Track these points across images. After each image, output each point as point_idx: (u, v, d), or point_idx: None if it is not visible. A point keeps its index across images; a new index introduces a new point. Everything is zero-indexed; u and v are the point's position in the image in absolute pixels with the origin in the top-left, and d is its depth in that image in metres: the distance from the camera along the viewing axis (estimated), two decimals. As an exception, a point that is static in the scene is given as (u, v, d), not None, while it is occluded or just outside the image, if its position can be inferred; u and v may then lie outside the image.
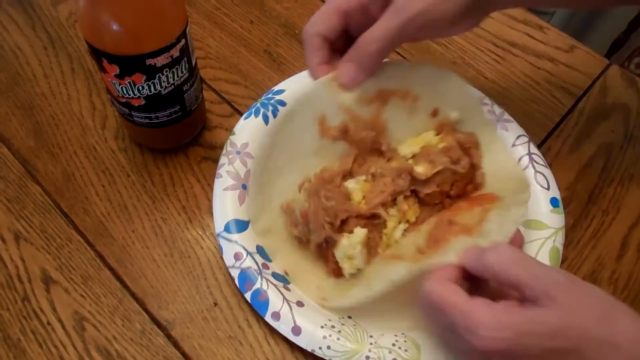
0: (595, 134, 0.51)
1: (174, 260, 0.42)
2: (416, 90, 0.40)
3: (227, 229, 0.41)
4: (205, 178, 0.46)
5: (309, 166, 0.40)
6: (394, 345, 0.37)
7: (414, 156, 0.39)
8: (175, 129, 0.45)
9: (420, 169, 0.38)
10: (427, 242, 0.36)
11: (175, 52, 0.38)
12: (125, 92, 0.40)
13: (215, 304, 0.41)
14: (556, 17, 1.10)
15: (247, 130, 0.45)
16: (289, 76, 0.53)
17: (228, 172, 0.43)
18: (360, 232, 0.37)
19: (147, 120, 0.43)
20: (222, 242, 0.40)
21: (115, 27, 0.35)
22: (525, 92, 0.53)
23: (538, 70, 0.55)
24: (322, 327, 0.37)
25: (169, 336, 0.39)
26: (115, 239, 0.43)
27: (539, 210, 0.43)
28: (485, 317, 0.28)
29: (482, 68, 0.55)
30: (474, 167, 0.39)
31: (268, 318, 0.38)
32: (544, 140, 0.50)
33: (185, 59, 0.40)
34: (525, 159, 0.45)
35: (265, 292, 0.38)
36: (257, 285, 0.39)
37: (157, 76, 0.39)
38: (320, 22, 0.36)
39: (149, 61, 0.37)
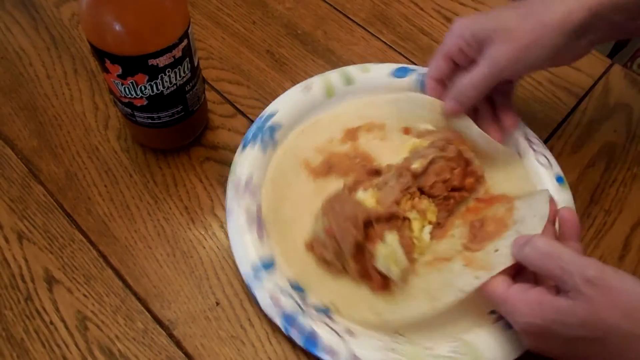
0: (597, 134, 0.51)
1: (176, 260, 0.42)
2: (382, 119, 0.47)
3: (255, 271, 0.39)
4: (208, 178, 0.47)
5: (314, 206, 0.41)
6: (453, 352, 0.37)
7: (407, 160, 0.43)
8: (178, 129, 0.45)
9: (416, 164, 0.41)
10: (472, 243, 0.38)
11: (177, 53, 0.39)
12: (127, 92, 0.40)
13: (218, 304, 0.41)
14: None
15: (248, 161, 0.44)
16: (291, 76, 0.53)
17: (240, 211, 0.41)
18: (392, 234, 0.38)
19: (150, 121, 0.43)
20: (253, 285, 0.39)
21: (117, 27, 0.35)
22: (527, 92, 0.53)
23: (540, 71, 0.55)
24: (380, 350, 0.37)
25: (171, 336, 0.39)
26: (118, 238, 0.43)
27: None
28: (520, 305, 0.32)
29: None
30: (461, 153, 0.42)
31: (321, 354, 0.36)
32: (546, 140, 0.50)
33: (188, 59, 0.40)
34: (524, 143, 0.46)
35: (313, 328, 0.37)
36: (303, 324, 0.37)
37: (159, 76, 0.39)
38: (432, 68, 0.44)
39: (152, 61, 0.38)
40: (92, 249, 0.43)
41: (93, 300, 0.41)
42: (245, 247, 0.40)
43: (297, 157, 0.45)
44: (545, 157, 0.46)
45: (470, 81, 0.41)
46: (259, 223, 0.41)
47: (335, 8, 0.59)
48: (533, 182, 0.44)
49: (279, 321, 0.37)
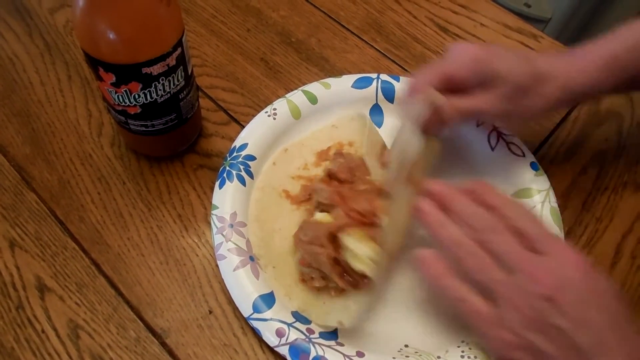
0: (588, 142, 0.51)
1: (169, 268, 0.42)
2: (350, 137, 0.47)
3: (256, 309, 0.38)
4: (201, 186, 0.47)
5: None
6: (462, 357, 0.37)
7: None
8: (171, 137, 0.45)
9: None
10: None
11: (171, 61, 0.39)
12: (121, 100, 0.40)
13: (210, 312, 0.41)
14: (550, 26, 1.11)
15: (229, 199, 0.43)
16: (285, 84, 0.53)
17: (230, 250, 0.40)
18: (347, 236, 0.38)
19: (143, 128, 0.43)
20: (256, 324, 0.38)
21: (111, 36, 0.35)
22: (519, 101, 0.54)
23: (532, 79, 0.55)
24: None
25: (163, 344, 0.39)
26: (111, 246, 0.43)
27: (524, 178, 0.45)
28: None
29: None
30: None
31: None
32: (538, 148, 0.50)
33: (182, 67, 0.40)
34: (494, 134, 0.47)
35: (324, 355, 0.36)
36: (312, 355, 0.36)
37: (153, 84, 0.39)
38: (424, 76, 0.41)
39: (145, 70, 0.38)
40: (85, 257, 0.43)
41: (85, 308, 0.40)
42: (242, 288, 0.39)
43: (275, 189, 0.45)
44: (517, 145, 0.46)
45: (461, 106, 0.40)
46: (253, 261, 0.41)
47: (329, 16, 0.59)
48: (509, 172, 0.46)
49: (287, 355, 0.37)
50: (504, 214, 0.35)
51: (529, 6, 1.13)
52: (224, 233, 0.41)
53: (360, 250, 0.37)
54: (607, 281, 0.32)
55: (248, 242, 0.42)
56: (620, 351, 0.29)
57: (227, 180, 0.44)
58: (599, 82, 0.40)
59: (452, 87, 0.41)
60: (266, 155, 0.46)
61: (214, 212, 0.42)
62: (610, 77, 0.40)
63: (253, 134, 0.46)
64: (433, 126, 0.41)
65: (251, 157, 0.45)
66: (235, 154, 0.45)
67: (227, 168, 0.44)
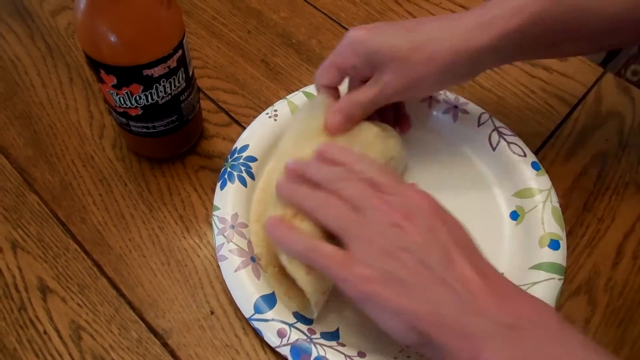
0: (590, 143, 0.51)
1: (170, 269, 0.43)
2: None
3: (257, 310, 0.38)
4: (202, 187, 0.47)
5: None
6: None
7: None
8: (173, 138, 0.45)
9: None
10: None
11: (172, 63, 0.39)
12: (122, 102, 0.40)
13: (212, 313, 0.41)
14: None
15: (230, 200, 0.43)
16: (286, 85, 0.53)
17: (231, 251, 0.40)
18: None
19: (145, 130, 0.43)
20: (258, 325, 0.38)
21: (112, 38, 0.36)
22: (520, 101, 0.54)
23: (533, 79, 0.55)
24: None
25: (165, 345, 0.39)
26: (112, 247, 0.43)
27: (525, 178, 0.45)
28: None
29: (478, 77, 0.55)
30: None
31: None
32: (539, 149, 0.50)
33: (183, 69, 0.41)
34: (495, 135, 0.47)
35: (325, 356, 0.36)
36: (314, 355, 0.36)
37: (154, 86, 0.39)
38: (324, 77, 0.42)
39: (146, 72, 0.38)
40: (87, 258, 0.43)
41: (87, 309, 0.41)
42: (244, 289, 0.39)
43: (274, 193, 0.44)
44: (518, 146, 0.46)
45: (358, 100, 0.41)
46: (254, 261, 0.41)
47: (330, 17, 0.59)
48: (511, 172, 0.45)
49: (289, 355, 0.37)
50: (354, 167, 0.35)
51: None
52: (225, 234, 0.41)
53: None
54: (450, 215, 0.34)
55: (249, 243, 0.42)
56: (466, 264, 0.30)
57: (228, 182, 0.44)
58: (504, 42, 0.37)
59: (347, 76, 0.42)
60: (267, 156, 0.46)
61: (215, 213, 0.42)
62: (512, 39, 0.37)
63: (254, 135, 0.46)
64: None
65: (252, 159, 0.45)
66: (236, 155, 0.45)
67: (228, 169, 0.44)
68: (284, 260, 0.36)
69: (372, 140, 0.42)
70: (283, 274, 0.40)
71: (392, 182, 0.34)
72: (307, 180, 0.36)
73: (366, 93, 0.40)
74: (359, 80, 0.42)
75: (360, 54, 0.39)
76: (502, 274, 0.33)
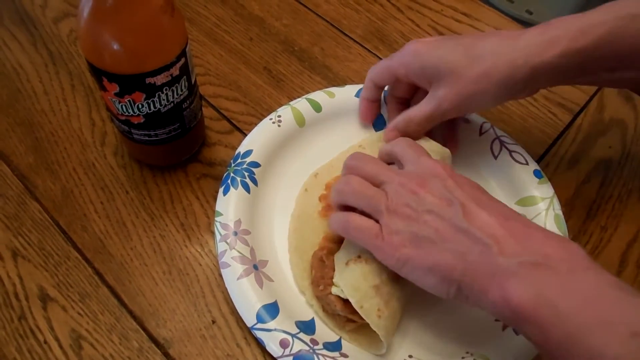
0: (593, 150, 0.51)
1: (172, 278, 0.42)
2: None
3: (260, 319, 0.38)
4: (204, 195, 0.46)
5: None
6: None
7: None
8: (175, 146, 0.45)
9: None
10: None
11: (175, 71, 0.39)
12: (125, 110, 0.40)
13: (214, 322, 0.40)
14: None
15: (233, 206, 0.42)
16: (288, 92, 0.53)
17: (234, 258, 0.40)
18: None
19: (147, 138, 0.43)
20: (260, 334, 0.37)
21: (115, 46, 0.36)
22: (523, 109, 0.54)
23: (535, 87, 0.55)
24: None
25: (166, 355, 0.39)
26: (114, 256, 0.43)
27: (527, 186, 0.45)
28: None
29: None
30: None
31: None
32: (542, 157, 0.50)
33: (185, 77, 0.41)
34: (497, 143, 0.47)
35: None
36: None
37: (156, 94, 0.39)
38: (375, 73, 0.45)
39: (149, 80, 0.38)
40: (88, 267, 0.43)
41: (88, 318, 0.40)
42: (246, 298, 0.39)
43: (311, 216, 0.44)
44: (520, 154, 0.46)
45: (414, 117, 0.42)
46: (257, 270, 0.40)
47: (332, 25, 0.59)
48: (513, 180, 0.45)
49: None
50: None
51: (530, 13, 1.13)
52: (228, 241, 0.41)
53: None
54: (466, 178, 0.36)
55: (252, 250, 0.41)
56: (485, 212, 0.32)
57: (231, 187, 0.43)
58: (560, 63, 0.37)
59: (399, 84, 0.45)
60: (270, 162, 0.46)
61: (217, 219, 0.42)
62: (568, 58, 0.37)
63: (257, 141, 0.46)
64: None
65: (255, 164, 0.45)
66: (239, 160, 0.45)
67: (232, 174, 0.44)
68: (355, 304, 0.35)
69: None
70: (333, 308, 0.39)
71: (410, 154, 0.38)
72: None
73: (422, 110, 0.42)
74: (401, 93, 0.46)
75: (415, 65, 0.41)
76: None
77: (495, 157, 0.47)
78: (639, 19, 0.36)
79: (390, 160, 0.41)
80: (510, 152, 0.46)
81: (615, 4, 0.37)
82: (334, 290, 0.37)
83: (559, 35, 0.37)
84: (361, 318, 0.36)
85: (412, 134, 0.43)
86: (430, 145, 0.43)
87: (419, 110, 0.42)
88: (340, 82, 0.54)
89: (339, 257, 0.38)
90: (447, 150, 0.44)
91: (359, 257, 0.37)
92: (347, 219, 0.36)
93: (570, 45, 0.37)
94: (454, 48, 0.40)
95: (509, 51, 0.38)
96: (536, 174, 0.45)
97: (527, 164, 0.46)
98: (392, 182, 0.35)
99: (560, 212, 0.43)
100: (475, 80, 0.39)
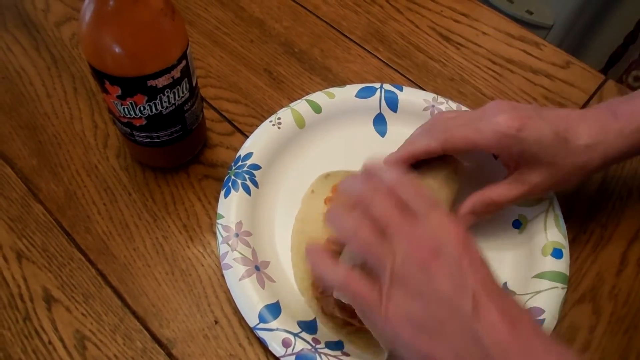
0: (592, 149, 0.51)
1: (174, 278, 0.43)
2: None
3: (262, 319, 0.38)
4: (206, 196, 0.47)
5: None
6: None
7: None
8: (176, 148, 0.45)
9: None
10: None
11: (176, 73, 0.39)
12: (127, 112, 0.40)
13: (216, 322, 0.41)
14: (552, 33, 1.11)
15: (234, 208, 0.43)
16: (288, 94, 0.54)
17: (236, 260, 0.40)
18: None
19: (149, 140, 0.43)
20: (262, 334, 0.38)
21: (117, 49, 0.36)
22: (522, 108, 0.54)
23: (535, 86, 0.56)
24: None
25: (170, 355, 0.39)
26: (117, 257, 0.44)
27: None
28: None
29: (479, 85, 0.56)
30: None
31: None
32: (541, 156, 0.50)
33: (186, 79, 0.41)
34: None
35: None
36: None
37: (158, 97, 0.40)
38: (446, 142, 0.39)
39: (151, 82, 0.38)
40: (91, 268, 0.43)
41: (92, 319, 0.41)
42: (248, 298, 0.39)
43: (316, 219, 0.44)
44: None
45: (498, 200, 0.40)
46: (258, 270, 0.41)
47: (331, 26, 0.60)
48: None
49: None
50: (387, 181, 0.34)
51: (530, 13, 1.13)
52: (230, 242, 0.41)
53: None
54: (477, 247, 0.32)
55: (254, 251, 0.42)
56: (495, 311, 0.29)
57: (232, 190, 0.44)
58: (638, 147, 0.39)
59: (472, 152, 0.40)
60: (271, 164, 0.46)
61: (219, 221, 0.42)
62: None
63: (258, 143, 0.46)
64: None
65: (256, 166, 0.45)
66: (240, 163, 0.45)
67: (232, 177, 0.44)
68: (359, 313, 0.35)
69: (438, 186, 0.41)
70: (330, 310, 0.39)
71: (423, 205, 0.33)
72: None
73: (509, 193, 0.40)
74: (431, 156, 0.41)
75: (513, 149, 0.38)
76: (527, 309, 0.32)
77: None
78: None
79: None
80: None
81: None
82: (335, 294, 0.37)
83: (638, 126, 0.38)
84: (359, 322, 0.36)
85: (489, 214, 0.41)
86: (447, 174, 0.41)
87: (504, 193, 0.40)
88: (340, 83, 0.55)
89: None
90: (459, 163, 0.43)
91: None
92: (346, 280, 0.33)
93: None
94: (553, 136, 0.38)
95: (601, 143, 0.39)
96: None
97: None
98: (401, 240, 0.31)
99: (560, 213, 0.44)
100: (570, 173, 0.39)
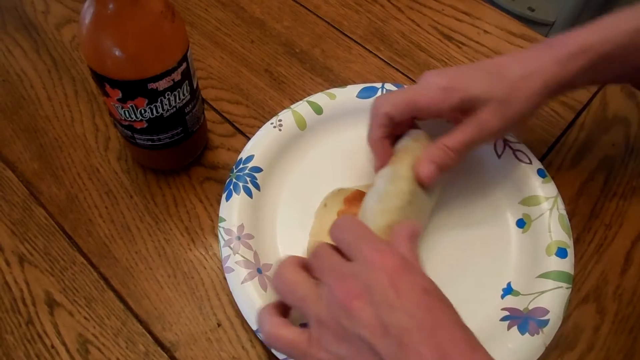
0: (596, 148, 0.51)
1: (177, 281, 0.43)
2: None
3: None
4: (208, 198, 0.47)
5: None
6: None
7: None
8: (178, 150, 0.45)
9: None
10: None
11: (176, 76, 0.39)
12: (127, 115, 0.40)
13: (219, 325, 0.41)
14: (554, 30, 1.11)
15: (236, 211, 0.43)
16: (290, 95, 0.54)
17: (238, 263, 0.40)
18: None
19: (150, 142, 0.43)
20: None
21: (117, 53, 0.36)
22: (525, 107, 0.53)
23: (537, 85, 0.55)
24: None
25: (172, 358, 0.39)
26: (119, 260, 0.43)
27: (531, 186, 0.45)
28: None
29: (481, 83, 0.55)
30: None
31: None
32: (545, 155, 0.50)
33: (187, 81, 0.41)
34: (500, 142, 0.47)
35: None
36: None
37: (159, 99, 0.39)
38: (392, 106, 0.40)
39: (151, 85, 0.38)
40: (93, 271, 0.43)
41: (94, 322, 0.41)
42: (251, 302, 0.39)
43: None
44: (524, 153, 0.46)
45: (452, 145, 0.39)
46: (260, 273, 0.40)
47: (332, 26, 0.59)
48: (516, 180, 0.45)
49: None
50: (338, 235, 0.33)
51: (532, 10, 1.13)
52: (232, 245, 0.41)
53: None
54: (420, 278, 0.29)
55: (256, 254, 0.41)
56: (426, 353, 0.26)
57: (233, 192, 0.44)
58: (579, 73, 0.39)
59: (421, 116, 0.42)
60: (272, 166, 0.46)
61: (221, 224, 0.42)
62: (591, 68, 0.39)
63: (259, 146, 0.46)
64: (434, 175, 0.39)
65: (257, 169, 0.45)
66: (241, 165, 0.45)
67: (234, 180, 0.44)
68: None
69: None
70: None
71: (350, 244, 0.31)
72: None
73: (461, 136, 0.39)
74: (399, 131, 0.41)
75: (454, 100, 0.38)
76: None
77: (499, 156, 0.47)
78: None
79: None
80: (514, 151, 0.46)
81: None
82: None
83: (571, 52, 0.39)
84: None
85: (452, 165, 0.39)
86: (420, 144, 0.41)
87: (457, 137, 0.39)
88: (342, 83, 0.55)
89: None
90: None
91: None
92: (269, 329, 0.32)
93: (580, 63, 0.39)
94: (484, 76, 0.39)
95: (539, 72, 0.39)
96: (540, 173, 0.45)
97: (530, 163, 0.46)
98: (326, 285, 0.30)
99: (564, 212, 0.43)
100: (517, 105, 0.39)
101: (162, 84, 0.38)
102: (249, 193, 0.44)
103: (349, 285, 0.29)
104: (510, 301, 0.40)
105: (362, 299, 0.28)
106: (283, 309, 0.34)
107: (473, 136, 0.39)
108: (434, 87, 0.39)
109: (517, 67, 0.40)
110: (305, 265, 0.33)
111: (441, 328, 0.27)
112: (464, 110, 0.39)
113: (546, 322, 0.38)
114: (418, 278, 0.29)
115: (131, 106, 0.39)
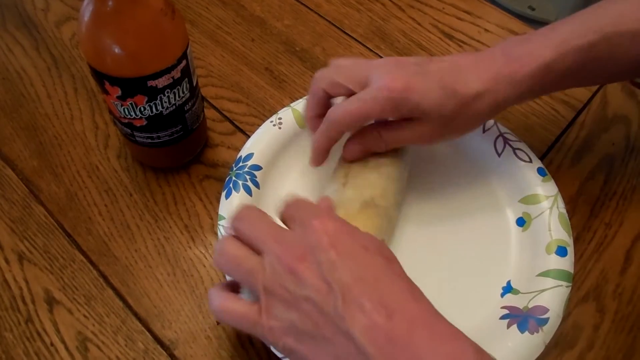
0: (596, 147, 0.51)
1: (176, 279, 0.42)
2: None
3: None
4: (207, 196, 0.47)
5: None
6: None
7: None
8: (177, 148, 0.45)
9: None
10: None
11: (176, 73, 0.39)
12: (127, 113, 0.40)
13: (218, 323, 0.41)
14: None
15: (235, 209, 0.41)
16: (290, 93, 0.54)
17: None
18: None
19: (149, 140, 0.43)
20: None
21: (116, 50, 0.36)
22: (525, 106, 0.53)
23: (538, 84, 0.55)
24: None
25: (172, 356, 0.39)
26: (118, 258, 0.43)
27: (531, 184, 0.44)
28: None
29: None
30: None
31: None
32: (545, 154, 0.50)
33: (187, 79, 0.41)
34: (500, 140, 0.47)
35: None
36: None
37: (158, 97, 0.39)
38: (328, 80, 0.39)
39: (151, 83, 0.38)
40: (93, 269, 0.43)
41: (93, 320, 0.41)
42: None
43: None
44: (524, 151, 0.46)
45: (390, 137, 0.39)
46: None
47: (333, 24, 0.59)
48: (516, 178, 0.45)
49: None
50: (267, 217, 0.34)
51: (533, 9, 1.12)
52: None
53: None
54: (360, 237, 0.30)
55: None
56: (370, 305, 0.27)
57: (233, 191, 0.44)
58: (530, 91, 0.39)
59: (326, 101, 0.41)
60: (272, 164, 0.46)
61: (220, 222, 0.42)
62: (542, 86, 0.39)
63: (259, 144, 0.46)
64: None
65: (257, 167, 0.45)
66: (241, 163, 0.45)
67: (233, 178, 0.44)
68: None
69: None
70: None
71: (300, 215, 0.32)
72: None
73: (398, 134, 0.39)
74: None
75: (402, 111, 0.37)
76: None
77: (499, 155, 0.47)
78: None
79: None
80: (514, 149, 0.46)
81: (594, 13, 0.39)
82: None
83: (525, 73, 0.38)
84: None
85: (376, 151, 0.40)
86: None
87: (394, 135, 0.39)
88: (342, 81, 0.54)
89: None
90: (404, 150, 0.43)
91: (345, 185, 0.37)
92: (219, 303, 0.32)
93: (532, 81, 0.38)
94: (440, 92, 0.37)
95: (491, 91, 0.38)
96: (540, 171, 0.45)
97: (530, 161, 0.46)
98: (270, 253, 0.30)
99: (564, 211, 0.43)
100: (462, 123, 0.39)
101: (161, 82, 0.38)
102: (249, 191, 0.44)
103: (293, 249, 0.30)
104: (510, 299, 0.40)
105: (306, 261, 0.29)
106: (232, 289, 0.34)
107: (407, 139, 0.40)
108: (384, 93, 0.36)
109: (473, 80, 0.38)
110: (245, 241, 0.32)
111: (382, 282, 0.28)
112: (410, 116, 0.38)
113: (546, 320, 0.38)
114: (358, 237, 0.30)
115: (131, 104, 0.39)
